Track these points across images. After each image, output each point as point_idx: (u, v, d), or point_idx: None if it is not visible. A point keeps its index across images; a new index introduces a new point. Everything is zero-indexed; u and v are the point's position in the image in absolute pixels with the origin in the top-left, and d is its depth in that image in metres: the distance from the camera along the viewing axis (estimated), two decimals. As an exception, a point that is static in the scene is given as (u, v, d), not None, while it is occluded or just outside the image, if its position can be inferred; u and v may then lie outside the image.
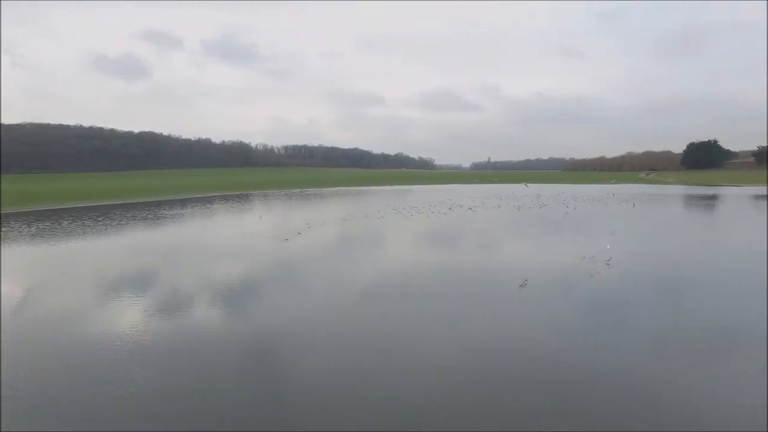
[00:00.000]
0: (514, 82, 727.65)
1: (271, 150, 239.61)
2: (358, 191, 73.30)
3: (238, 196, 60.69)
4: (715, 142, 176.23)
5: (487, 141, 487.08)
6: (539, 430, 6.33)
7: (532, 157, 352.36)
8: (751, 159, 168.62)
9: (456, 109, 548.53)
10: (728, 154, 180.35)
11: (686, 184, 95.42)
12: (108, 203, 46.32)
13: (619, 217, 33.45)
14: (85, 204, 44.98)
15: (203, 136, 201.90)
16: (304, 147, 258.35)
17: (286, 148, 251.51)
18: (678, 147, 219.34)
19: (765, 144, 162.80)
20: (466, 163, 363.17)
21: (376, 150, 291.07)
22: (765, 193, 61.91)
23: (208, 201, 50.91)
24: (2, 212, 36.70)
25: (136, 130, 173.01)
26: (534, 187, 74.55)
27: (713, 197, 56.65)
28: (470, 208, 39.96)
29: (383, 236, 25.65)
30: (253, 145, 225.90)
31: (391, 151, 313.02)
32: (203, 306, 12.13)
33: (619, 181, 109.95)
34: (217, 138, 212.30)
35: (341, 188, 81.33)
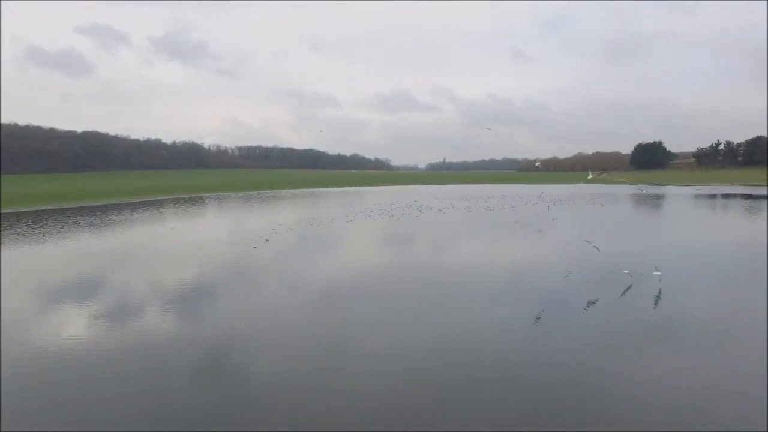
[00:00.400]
0: (466, 83, 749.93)
1: (225, 151, 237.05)
2: (319, 193, 71.41)
3: (192, 199, 57.59)
4: (660, 143, 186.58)
5: (442, 142, 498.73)
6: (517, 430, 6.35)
7: (487, 158, 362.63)
8: (692, 160, 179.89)
9: (411, 110, 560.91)
10: (670, 155, 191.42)
11: (641, 183, 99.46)
12: (48, 208, 42.25)
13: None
14: (19, 209, 40.79)
15: (153, 137, 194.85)
16: (259, 148, 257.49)
17: (240, 149, 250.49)
18: (620, 147, 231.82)
19: (703, 146, 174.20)
20: (422, 164, 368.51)
21: (332, 151, 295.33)
22: (707, 192, 65.15)
23: (159, 205, 48.06)
24: None
25: (80, 129, 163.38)
26: (511, 188, 75.19)
27: (661, 196, 58.86)
28: (437, 210, 39.30)
29: (357, 241, 24.36)
30: (206, 145, 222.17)
31: (347, 151, 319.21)
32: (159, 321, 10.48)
33: (582, 180, 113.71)
34: (167, 138, 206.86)
35: (300, 190, 79.11)
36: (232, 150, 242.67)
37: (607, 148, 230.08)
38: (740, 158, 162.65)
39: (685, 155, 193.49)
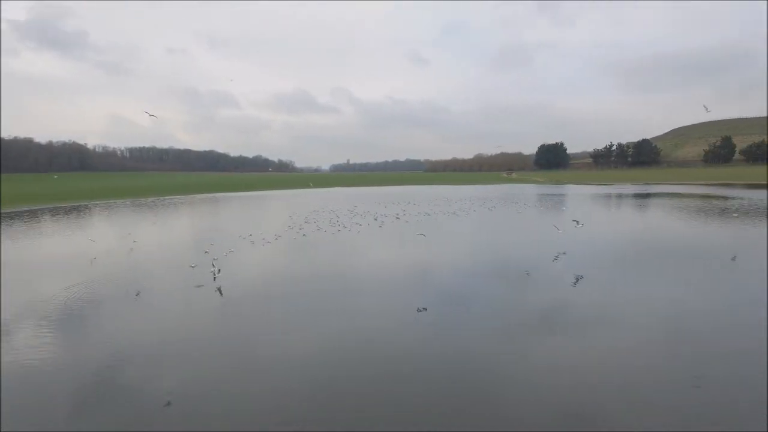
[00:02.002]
0: (366, 85, 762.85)
1: (113, 152, 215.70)
2: (221, 199, 59.64)
3: (75, 208, 44.12)
4: (562, 144, 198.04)
5: (345, 143, 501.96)
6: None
7: (390, 159, 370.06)
8: (589, 160, 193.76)
9: (313, 112, 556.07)
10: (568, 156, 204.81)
11: (559, 183, 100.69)
12: None
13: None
14: None
15: (21, 135, 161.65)
16: (153, 149, 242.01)
17: (131, 150, 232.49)
18: (519, 148, 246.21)
19: (598, 147, 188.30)
20: (325, 166, 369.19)
21: (234, 152, 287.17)
22: (606, 192, 65.29)
23: (33, 216, 36.98)
24: None
25: None
26: (443, 191, 69.05)
27: (621, 195, 57.09)
28: (394, 218, 30.49)
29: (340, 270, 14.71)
30: (90, 146, 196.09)
31: (250, 153, 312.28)
32: None
33: (497, 181, 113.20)
34: (41, 138, 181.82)
35: (208, 195, 66.17)
36: (121, 151, 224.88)
37: (506, 149, 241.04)
38: (630, 159, 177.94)
39: (583, 155, 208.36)
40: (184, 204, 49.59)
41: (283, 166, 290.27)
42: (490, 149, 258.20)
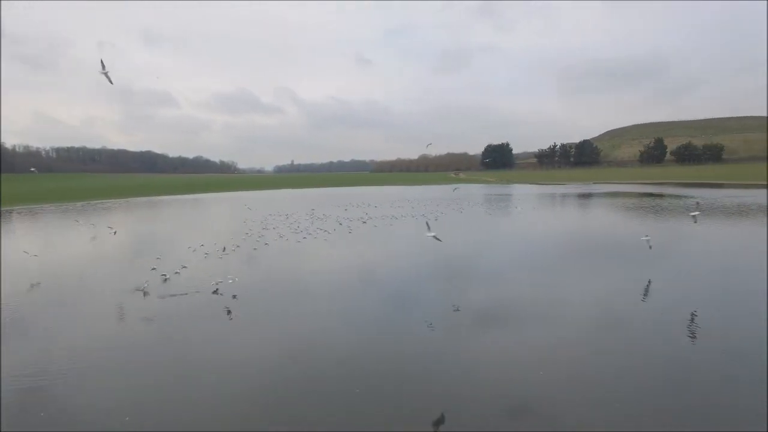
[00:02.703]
0: (310, 85, 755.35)
1: (37, 152, 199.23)
2: (158, 203, 54.04)
3: None
4: (507, 144, 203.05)
5: (289, 144, 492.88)
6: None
7: (335, 160, 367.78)
8: (534, 160, 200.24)
9: (256, 112, 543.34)
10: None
11: (510, 182, 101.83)
12: None
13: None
14: None
15: None
16: (83, 149, 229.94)
17: (58, 150, 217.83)
18: (465, 149, 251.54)
19: (543, 147, 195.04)
20: (269, 167, 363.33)
21: (173, 153, 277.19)
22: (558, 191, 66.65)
23: None
24: None
25: None
26: (401, 191, 66.65)
27: (588, 195, 57.37)
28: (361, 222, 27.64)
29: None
30: (8, 146, 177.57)
31: (190, 153, 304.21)
32: None
33: (447, 181, 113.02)
34: None
35: (145, 199, 59.51)
36: (46, 151, 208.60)
37: (452, 149, 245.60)
38: (572, 159, 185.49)
39: (527, 155, 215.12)
40: (119, 209, 43.55)
41: (225, 168, 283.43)
42: (435, 149, 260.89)
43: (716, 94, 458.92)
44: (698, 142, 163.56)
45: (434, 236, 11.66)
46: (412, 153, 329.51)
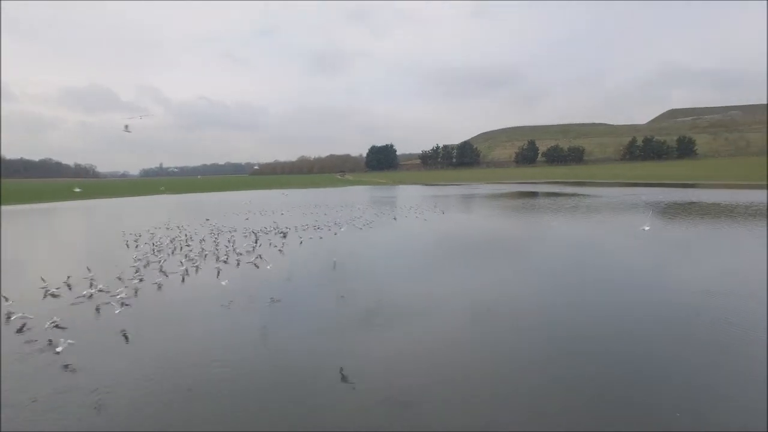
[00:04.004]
0: (177, 84, 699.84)
1: None
2: (10, 214, 41.41)
3: None
4: (391, 146, 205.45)
5: (157, 146, 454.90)
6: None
7: (209, 162, 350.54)
8: (418, 161, 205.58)
9: (114, 110, 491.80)
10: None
11: (402, 183, 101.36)
12: None
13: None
14: None
15: None
16: None
17: None
18: (339, 151, 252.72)
19: (425, 149, 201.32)
20: (134, 171, 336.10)
21: (12, 154, 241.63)
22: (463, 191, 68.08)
23: None
24: None
25: None
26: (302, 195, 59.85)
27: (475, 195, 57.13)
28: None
29: None
30: None
31: (35, 156, 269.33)
32: None
33: (338, 183, 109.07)
34: None
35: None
36: None
37: (331, 151, 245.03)
38: (454, 160, 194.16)
39: (412, 157, 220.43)
40: None
41: (81, 171, 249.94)
42: (315, 151, 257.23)
43: (563, 103, 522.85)
44: (563, 144, 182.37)
45: None
46: (289, 155, 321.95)
